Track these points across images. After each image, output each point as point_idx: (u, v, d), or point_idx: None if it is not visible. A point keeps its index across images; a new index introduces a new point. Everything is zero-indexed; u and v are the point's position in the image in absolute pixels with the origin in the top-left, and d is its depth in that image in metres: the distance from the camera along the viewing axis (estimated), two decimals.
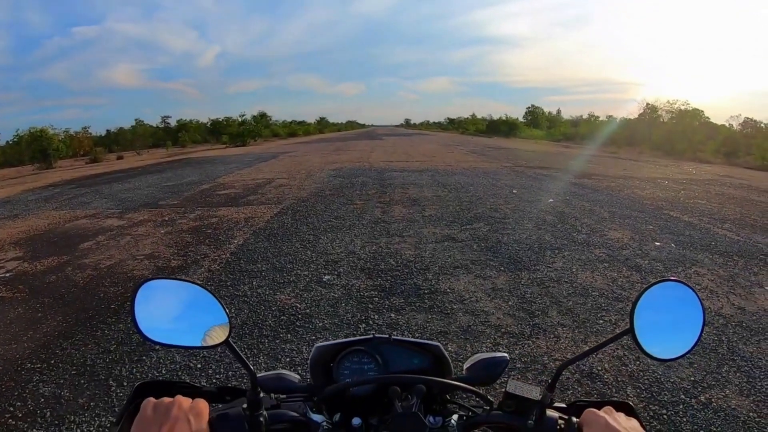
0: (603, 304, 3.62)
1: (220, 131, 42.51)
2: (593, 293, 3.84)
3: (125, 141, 43.32)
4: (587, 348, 0.73)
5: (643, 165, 16.50)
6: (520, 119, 52.96)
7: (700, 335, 0.68)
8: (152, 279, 0.69)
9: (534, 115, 51.96)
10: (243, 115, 43.54)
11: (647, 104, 35.29)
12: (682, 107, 33.65)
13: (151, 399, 0.61)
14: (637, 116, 35.94)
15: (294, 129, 63.48)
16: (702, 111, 33.59)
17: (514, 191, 9.16)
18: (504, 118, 51.23)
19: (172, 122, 50.45)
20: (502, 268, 4.46)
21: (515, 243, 5.32)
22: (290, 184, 10.61)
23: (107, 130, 47.95)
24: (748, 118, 31.94)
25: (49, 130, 29.84)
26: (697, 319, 0.69)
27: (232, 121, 44.75)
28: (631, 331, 0.66)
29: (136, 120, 48.88)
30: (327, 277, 4.26)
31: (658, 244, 5.45)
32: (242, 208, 7.83)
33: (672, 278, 0.69)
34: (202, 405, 0.62)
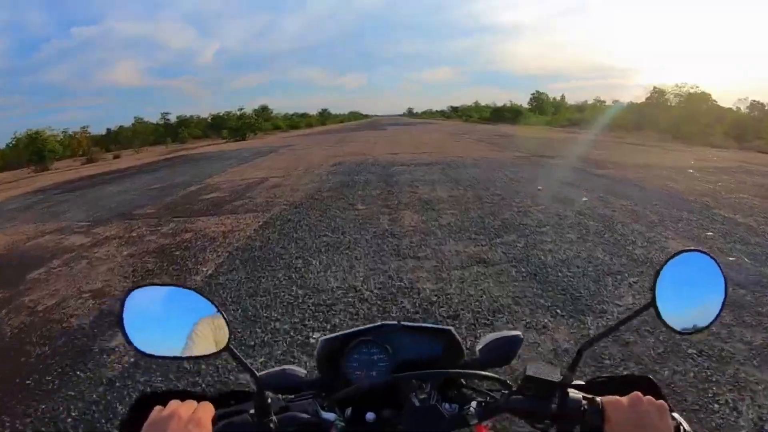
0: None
1: (220, 126, 41.28)
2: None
3: (125, 139, 42.41)
4: (610, 325, 0.68)
5: (658, 151, 15.05)
6: (524, 106, 50.96)
7: (723, 306, 0.65)
8: (140, 287, 0.62)
9: (539, 102, 49.75)
10: (241, 109, 41.92)
11: (654, 88, 34.03)
12: (691, 90, 32.32)
13: (151, 415, 0.55)
14: (644, 100, 34.68)
15: (296, 122, 61.89)
16: (710, 94, 32.25)
17: (539, 188, 7.83)
18: (508, 105, 49.23)
19: (173, 118, 48.93)
20: (558, 311, 3.17)
21: (563, 266, 4.03)
22: (284, 184, 9.32)
23: (108, 129, 46.99)
24: (755, 100, 30.20)
25: (46, 132, 29.17)
26: (719, 290, 0.66)
27: (231, 115, 43.46)
28: (653, 305, 0.63)
29: (135, 118, 47.62)
30: (316, 334, 2.97)
31: (731, 259, 4.17)
32: (224, 218, 6.55)
33: (692, 248, 0.67)
34: (203, 414, 0.57)
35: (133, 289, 0.61)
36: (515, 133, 26.39)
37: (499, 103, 53.46)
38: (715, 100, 32.07)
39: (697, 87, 32.29)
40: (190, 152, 24.88)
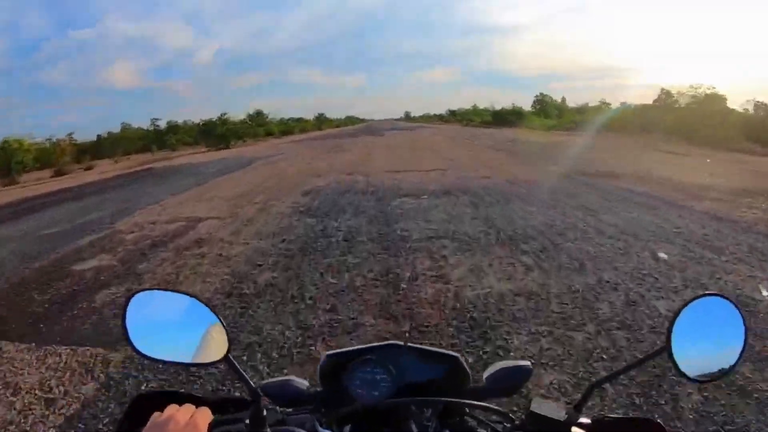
0: None
1: (211, 131, 37.56)
2: None
3: (113, 146, 38.88)
4: (620, 368, 0.63)
5: (712, 163, 11.51)
6: (526, 108, 46.92)
7: (742, 354, 0.58)
8: (144, 290, 0.61)
9: (543, 104, 45.59)
10: (224, 114, 37.89)
11: (662, 89, 30.96)
12: (708, 92, 29.14)
13: (150, 420, 0.53)
14: (651, 102, 31.61)
15: (290, 127, 57.87)
16: (725, 96, 29.08)
17: (661, 255, 4.14)
18: (510, 107, 44.99)
19: (162, 124, 44.92)
20: None
21: None
22: (214, 239, 5.52)
23: (98, 135, 43.38)
24: (759, 101, 26.91)
25: (26, 140, 25.99)
26: (738, 337, 0.59)
27: (223, 120, 39.78)
28: (667, 350, 0.57)
29: (122, 124, 44.02)
30: None
31: None
32: (43, 351, 2.81)
33: (711, 293, 0.60)
34: (200, 420, 0.54)
35: (137, 292, 0.60)
36: (527, 139, 22.79)
37: (498, 106, 49.11)
38: (724, 102, 29.49)
39: (713, 88, 29.38)
40: (165, 164, 21.31)
